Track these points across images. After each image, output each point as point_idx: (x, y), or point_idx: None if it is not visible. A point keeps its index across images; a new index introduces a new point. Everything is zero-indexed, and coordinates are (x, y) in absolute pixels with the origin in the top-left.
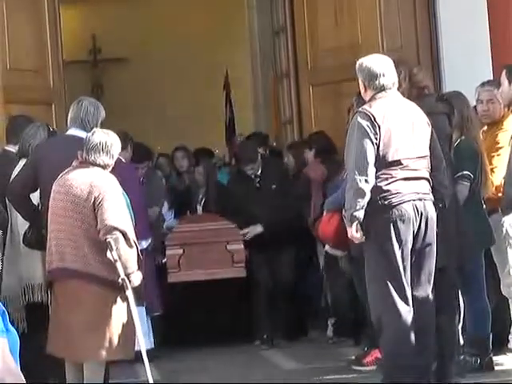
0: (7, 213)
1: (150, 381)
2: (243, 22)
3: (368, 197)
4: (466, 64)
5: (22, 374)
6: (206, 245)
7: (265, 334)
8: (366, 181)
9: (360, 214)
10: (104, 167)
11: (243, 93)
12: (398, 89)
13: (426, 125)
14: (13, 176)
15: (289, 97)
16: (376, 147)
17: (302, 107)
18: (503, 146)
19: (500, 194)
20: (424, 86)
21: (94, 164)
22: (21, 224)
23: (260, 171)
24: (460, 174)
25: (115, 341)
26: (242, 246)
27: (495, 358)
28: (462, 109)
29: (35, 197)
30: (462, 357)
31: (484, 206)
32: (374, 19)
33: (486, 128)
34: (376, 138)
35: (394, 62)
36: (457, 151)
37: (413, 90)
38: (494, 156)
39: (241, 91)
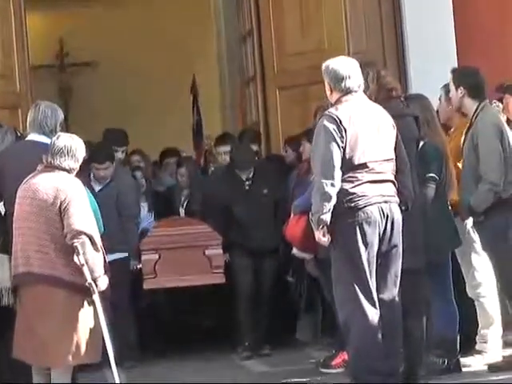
0: None
1: (117, 381)
2: (211, 26)
3: (334, 200)
4: (431, 66)
5: None
6: (183, 250)
7: (247, 341)
8: (332, 184)
9: (327, 218)
10: (69, 171)
11: (210, 96)
12: (366, 91)
13: (391, 127)
14: None
15: (255, 100)
16: (342, 150)
17: (268, 110)
18: None
19: None
20: (392, 88)
21: (60, 168)
22: None
23: (252, 174)
24: (426, 176)
25: (82, 345)
26: (221, 251)
27: (462, 360)
28: (421, 112)
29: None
30: (429, 358)
31: (450, 208)
32: (340, 22)
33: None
34: (342, 141)
35: (362, 63)
36: (422, 154)
37: (380, 92)
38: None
39: (208, 94)
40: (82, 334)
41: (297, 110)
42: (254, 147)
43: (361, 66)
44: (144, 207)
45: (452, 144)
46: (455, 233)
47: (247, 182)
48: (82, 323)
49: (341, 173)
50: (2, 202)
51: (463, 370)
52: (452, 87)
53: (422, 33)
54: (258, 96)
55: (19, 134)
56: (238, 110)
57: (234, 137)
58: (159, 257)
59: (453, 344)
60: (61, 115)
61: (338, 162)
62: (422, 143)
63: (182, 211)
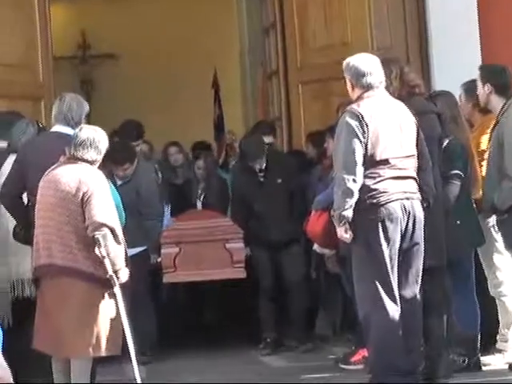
0: None
1: (138, 380)
2: (233, 19)
3: (356, 196)
4: (455, 63)
5: (8, 368)
6: (204, 243)
7: (268, 337)
8: (354, 180)
9: (349, 214)
10: (92, 163)
11: (232, 90)
12: (389, 87)
13: (413, 124)
14: (2, 172)
15: (278, 95)
16: (364, 146)
17: (291, 105)
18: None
19: None
20: (415, 85)
21: (82, 160)
22: (10, 219)
23: (265, 165)
24: (450, 173)
25: (102, 337)
26: (242, 245)
27: (483, 358)
28: (447, 109)
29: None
30: (449, 356)
31: (474, 206)
32: (364, 18)
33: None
34: (364, 137)
35: (385, 59)
36: (447, 151)
37: (403, 89)
38: (481, 160)
39: (230, 88)
40: (103, 327)
41: (319, 105)
42: (268, 139)
43: (384, 63)
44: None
45: (473, 142)
46: (478, 231)
47: (261, 173)
48: (102, 315)
49: (363, 169)
50: (26, 193)
51: (483, 368)
52: (479, 84)
53: (445, 29)
54: (281, 90)
55: (41, 126)
56: (260, 104)
57: (270, 124)
58: (179, 250)
59: (473, 342)
60: (86, 107)
61: (359, 158)
62: (447, 140)
63: (199, 204)
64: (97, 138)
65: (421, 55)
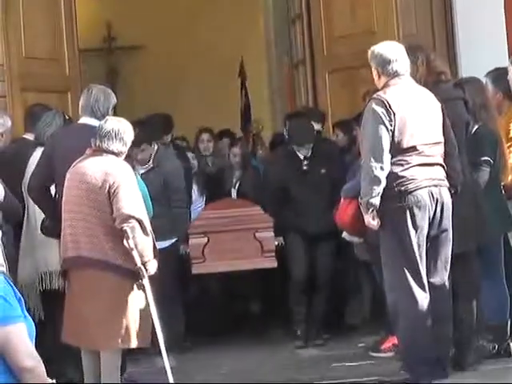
0: (23, 200)
1: (167, 366)
2: (259, 9)
3: (384, 184)
4: (481, 51)
5: (41, 361)
6: (233, 233)
7: (299, 330)
8: (381, 168)
9: (376, 201)
10: (118, 154)
11: (259, 80)
12: (415, 74)
13: (439, 111)
14: (29, 164)
15: (305, 83)
16: (391, 133)
17: (317, 94)
18: None
19: None
20: (441, 72)
21: (108, 151)
22: (38, 212)
23: (310, 153)
24: (480, 159)
25: (131, 329)
26: (272, 234)
27: None
28: (475, 95)
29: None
30: (479, 343)
31: (503, 192)
32: (390, 5)
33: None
34: (391, 125)
35: (412, 46)
36: (476, 137)
37: (430, 76)
38: (510, 146)
39: (256, 78)
40: (131, 318)
41: (346, 94)
42: (317, 126)
43: (410, 50)
44: (194, 190)
45: (502, 128)
46: (508, 216)
47: (305, 162)
48: (130, 307)
49: (390, 156)
50: (54, 185)
51: None
52: (510, 69)
53: (471, 17)
54: (308, 79)
55: (67, 118)
56: (287, 94)
57: (320, 112)
58: (208, 240)
59: (503, 329)
60: (113, 100)
61: (386, 146)
62: (476, 127)
63: (234, 193)
64: (122, 129)
65: (447, 42)
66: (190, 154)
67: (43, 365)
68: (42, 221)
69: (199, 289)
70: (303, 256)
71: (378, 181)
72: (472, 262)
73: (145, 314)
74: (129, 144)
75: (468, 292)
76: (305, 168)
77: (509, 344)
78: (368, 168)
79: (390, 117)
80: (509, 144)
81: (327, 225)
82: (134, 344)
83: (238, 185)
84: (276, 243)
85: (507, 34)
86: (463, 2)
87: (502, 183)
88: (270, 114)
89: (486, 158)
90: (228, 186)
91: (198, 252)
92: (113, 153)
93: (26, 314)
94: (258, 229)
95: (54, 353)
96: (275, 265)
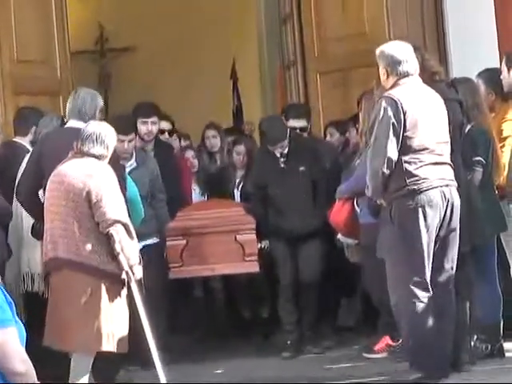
0: (11, 203)
1: (162, 379)
2: (250, 9)
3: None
4: (472, 51)
5: (32, 365)
6: (213, 235)
7: (289, 339)
8: (390, 167)
9: (384, 201)
10: (99, 158)
11: (250, 81)
12: None
13: (445, 110)
14: (21, 169)
15: (296, 84)
16: (402, 132)
17: (309, 94)
18: (509, 135)
19: None
20: (435, 72)
21: (89, 154)
22: (25, 215)
23: (287, 150)
24: (473, 159)
25: (103, 332)
26: (254, 237)
27: (506, 345)
28: (468, 95)
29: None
30: (472, 343)
31: (496, 192)
32: (381, 7)
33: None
34: (401, 124)
35: None
36: (468, 137)
37: (424, 76)
38: (502, 146)
39: (248, 78)
40: (104, 321)
41: (337, 95)
42: (299, 123)
43: None
44: (195, 190)
45: (494, 128)
46: (501, 217)
47: (282, 159)
48: (104, 310)
49: (397, 155)
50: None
51: (506, 355)
52: (504, 69)
53: (462, 18)
54: (299, 80)
55: (65, 121)
56: (278, 94)
57: (305, 107)
58: (186, 243)
59: (496, 329)
60: (100, 102)
61: (395, 145)
62: (468, 127)
63: (237, 193)
64: (103, 133)
65: (438, 43)
66: (190, 153)
67: (34, 370)
68: (33, 225)
69: (203, 289)
70: (289, 261)
71: (385, 180)
72: (466, 262)
73: (123, 318)
74: (111, 147)
75: (462, 291)
76: (282, 166)
77: (502, 344)
78: (377, 167)
79: (401, 116)
80: (501, 144)
81: (310, 224)
82: (105, 347)
83: (241, 185)
84: (263, 246)
85: (497, 34)
86: (454, 2)
87: (495, 183)
88: (262, 115)
89: (479, 158)
90: (231, 187)
91: (175, 255)
92: (94, 156)
93: (17, 317)
94: (238, 231)
95: (38, 356)
96: (257, 269)
